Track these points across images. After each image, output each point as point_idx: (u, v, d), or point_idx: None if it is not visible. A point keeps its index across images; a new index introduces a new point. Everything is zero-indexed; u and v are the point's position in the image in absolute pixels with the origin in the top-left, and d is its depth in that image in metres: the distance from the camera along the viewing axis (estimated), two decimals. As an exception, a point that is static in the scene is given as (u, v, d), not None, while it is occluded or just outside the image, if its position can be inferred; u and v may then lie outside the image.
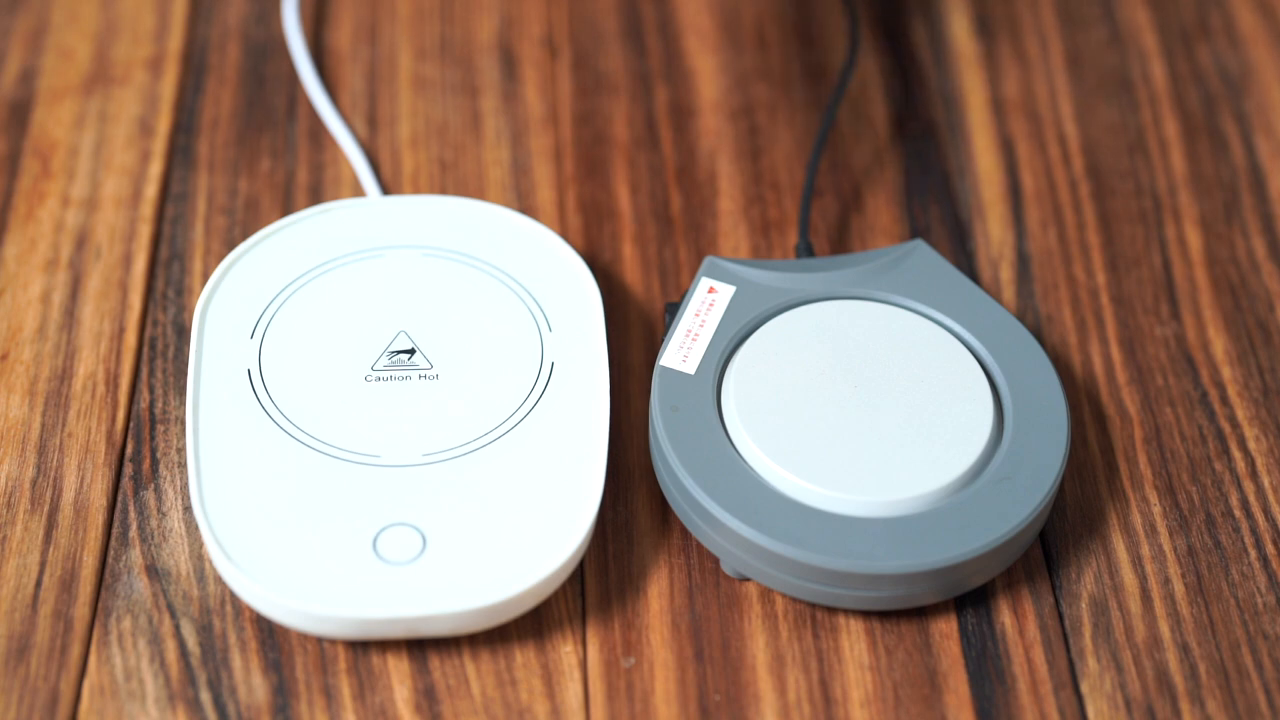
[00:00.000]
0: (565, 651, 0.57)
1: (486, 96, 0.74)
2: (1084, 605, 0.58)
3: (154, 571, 0.58)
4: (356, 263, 0.64)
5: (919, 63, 0.75)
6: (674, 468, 0.58)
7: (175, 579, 0.58)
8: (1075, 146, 0.72)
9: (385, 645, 0.57)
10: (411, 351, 0.61)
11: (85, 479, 0.61)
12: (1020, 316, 0.67)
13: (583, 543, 0.57)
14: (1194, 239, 0.69)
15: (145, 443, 0.62)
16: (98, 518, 0.60)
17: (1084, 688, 0.57)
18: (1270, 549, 0.60)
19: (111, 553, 0.59)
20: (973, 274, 0.68)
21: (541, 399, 0.60)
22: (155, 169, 0.70)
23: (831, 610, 0.58)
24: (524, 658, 0.57)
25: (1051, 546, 0.60)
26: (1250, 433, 0.63)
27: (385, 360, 0.61)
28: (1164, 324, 0.67)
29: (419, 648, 0.57)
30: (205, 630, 0.57)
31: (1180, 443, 0.63)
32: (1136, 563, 0.60)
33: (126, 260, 0.67)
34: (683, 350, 0.61)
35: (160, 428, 0.62)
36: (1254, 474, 0.62)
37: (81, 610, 0.57)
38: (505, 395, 0.60)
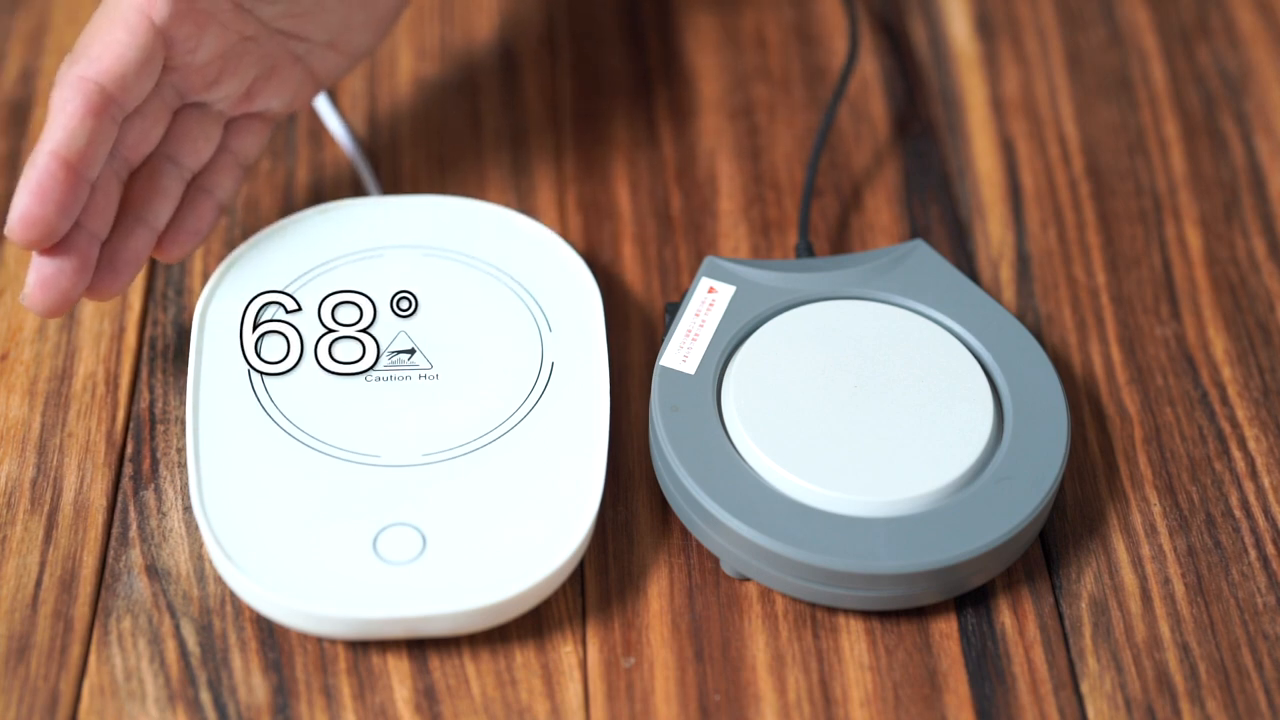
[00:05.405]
0: (565, 651, 0.57)
1: (486, 96, 0.74)
2: (1084, 605, 0.58)
3: (154, 571, 0.58)
4: (356, 263, 0.64)
5: (919, 63, 0.75)
6: (674, 468, 0.58)
7: (175, 579, 0.58)
8: (1075, 146, 0.72)
9: (385, 645, 0.57)
10: (411, 351, 0.61)
11: (85, 479, 0.61)
12: (1020, 316, 0.67)
13: (583, 543, 0.57)
14: (1194, 239, 0.69)
15: (145, 443, 0.62)
16: (98, 518, 0.60)
17: (1084, 688, 0.57)
18: (1270, 549, 0.60)
19: (111, 553, 0.59)
20: (973, 274, 0.68)
21: (541, 399, 0.60)
22: (155, 169, 0.70)
23: (831, 610, 0.58)
24: (524, 658, 0.57)
25: (1051, 546, 0.60)
26: (1250, 433, 0.63)
27: (385, 360, 0.61)
28: (1164, 324, 0.67)
29: (419, 648, 0.57)
30: (205, 630, 0.57)
31: (1180, 443, 0.63)
32: (1136, 563, 0.60)
33: (126, 260, 0.67)
34: (683, 350, 0.61)
35: (160, 428, 0.62)
36: (1254, 474, 0.62)
37: (81, 610, 0.57)
38: (505, 395, 0.60)
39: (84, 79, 0.57)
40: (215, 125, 0.63)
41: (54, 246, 0.58)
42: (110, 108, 0.58)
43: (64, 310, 0.58)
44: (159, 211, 0.61)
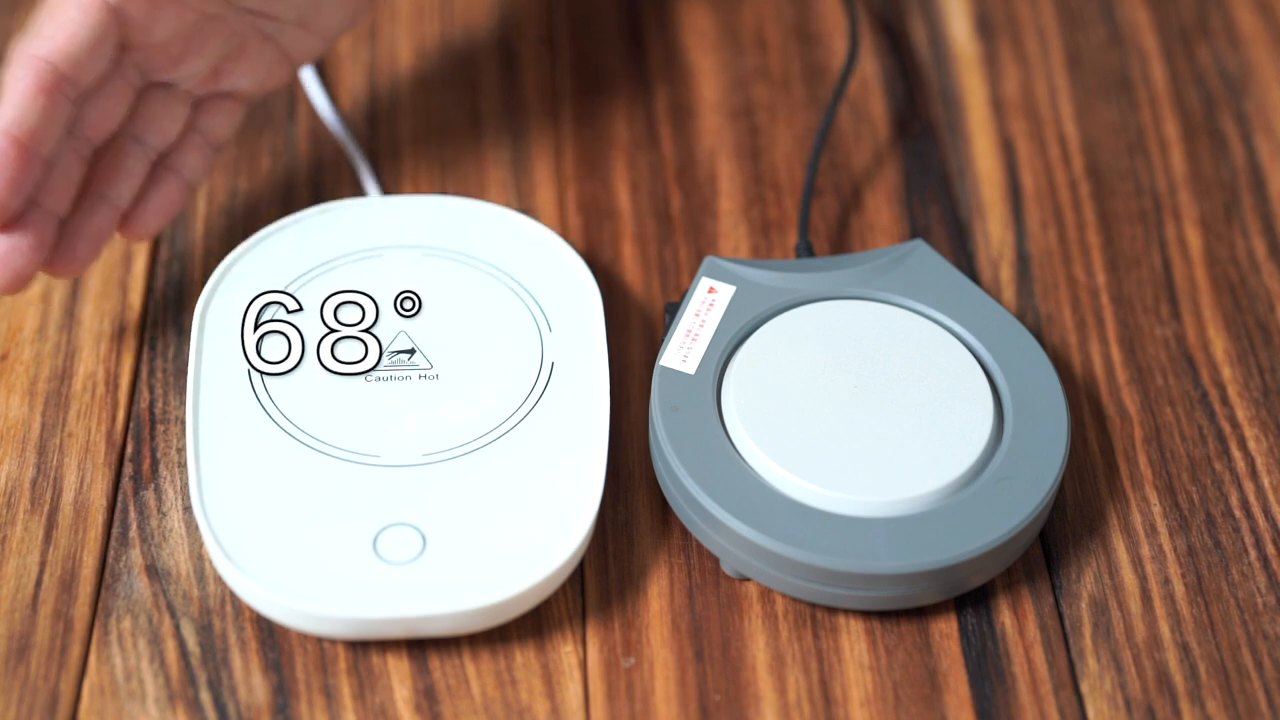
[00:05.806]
0: (565, 651, 0.57)
1: (486, 96, 0.74)
2: (1084, 605, 0.58)
3: (154, 571, 0.58)
4: (356, 263, 0.64)
5: (919, 63, 0.75)
6: (674, 468, 0.58)
7: (175, 579, 0.58)
8: (1075, 146, 0.72)
9: (385, 645, 0.57)
10: (411, 351, 0.61)
11: (85, 479, 0.61)
12: (1020, 316, 0.67)
13: (583, 543, 0.57)
14: (1194, 239, 0.69)
15: (145, 443, 0.62)
16: (98, 518, 0.60)
17: (1084, 688, 0.57)
18: (1270, 549, 0.60)
19: (111, 553, 0.59)
20: (973, 274, 0.68)
21: (541, 399, 0.60)
22: (155, 169, 0.70)
23: (831, 610, 0.58)
24: (524, 658, 0.57)
25: (1051, 546, 0.60)
26: (1250, 433, 0.63)
27: (385, 360, 0.61)
28: (1164, 324, 0.67)
29: (419, 648, 0.57)
30: (205, 630, 0.57)
31: (1180, 443, 0.63)
32: (1136, 563, 0.60)
33: (126, 260, 0.67)
34: (683, 350, 0.61)
35: (160, 428, 0.62)
36: (1254, 474, 0.62)
37: (81, 610, 0.57)
38: (505, 395, 0.60)
39: (35, 57, 0.58)
40: (182, 105, 0.63)
41: (10, 224, 0.58)
42: (62, 85, 0.58)
43: (20, 287, 0.59)
44: (122, 190, 0.62)
